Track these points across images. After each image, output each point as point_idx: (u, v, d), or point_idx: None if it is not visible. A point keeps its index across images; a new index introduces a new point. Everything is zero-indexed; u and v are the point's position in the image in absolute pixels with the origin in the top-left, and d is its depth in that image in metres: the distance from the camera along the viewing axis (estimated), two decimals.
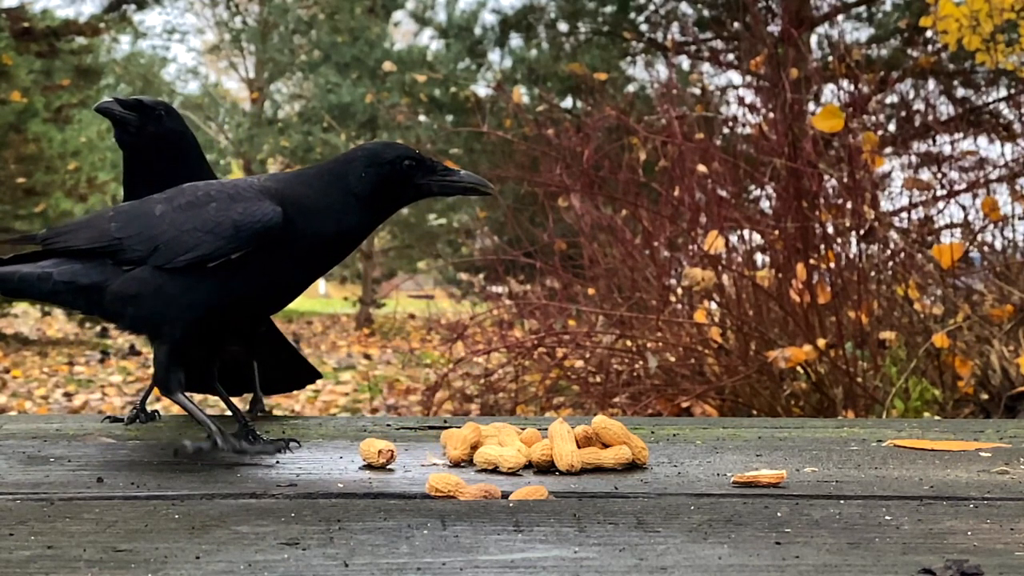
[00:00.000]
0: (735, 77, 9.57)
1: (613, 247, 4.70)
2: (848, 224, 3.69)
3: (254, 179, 1.14)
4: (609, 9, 11.08)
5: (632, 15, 11.11)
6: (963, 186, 4.47)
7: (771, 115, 4.06)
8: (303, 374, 1.51)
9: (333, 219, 1.10)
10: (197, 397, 1.29)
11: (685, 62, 9.91)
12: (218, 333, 1.15)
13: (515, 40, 11.65)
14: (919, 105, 6.93)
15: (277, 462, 1.09)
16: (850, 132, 3.57)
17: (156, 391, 1.47)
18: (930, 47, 8.48)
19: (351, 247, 1.14)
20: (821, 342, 3.35)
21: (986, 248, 4.19)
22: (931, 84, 8.42)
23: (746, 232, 4.22)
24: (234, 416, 1.20)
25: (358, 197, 1.10)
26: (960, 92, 9.57)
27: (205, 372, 1.21)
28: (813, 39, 9.12)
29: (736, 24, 8.44)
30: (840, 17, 10.02)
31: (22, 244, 1.22)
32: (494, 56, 12.13)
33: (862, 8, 10.37)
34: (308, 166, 1.19)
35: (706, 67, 9.97)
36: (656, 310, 4.04)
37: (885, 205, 4.43)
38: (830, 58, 5.15)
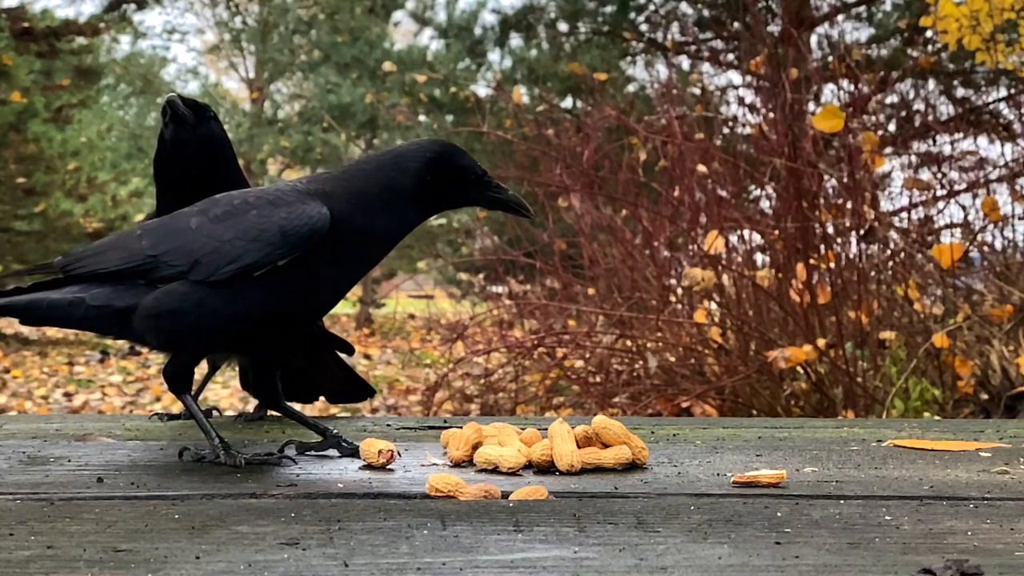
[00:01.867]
0: (735, 77, 9.57)
1: (613, 247, 4.70)
2: (848, 224, 3.69)
3: (292, 183, 1.11)
4: (609, 9, 11.08)
5: (632, 15, 11.10)
6: (963, 186, 4.47)
7: (771, 115, 4.06)
8: (357, 390, 1.52)
9: (383, 214, 1.07)
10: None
11: (685, 62, 9.90)
12: (261, 340, 1.12)
13: (515, 40, 11.65)
14: (919, 105, 6.94)
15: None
16: (850, 132, 3.57)
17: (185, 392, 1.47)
18: (930, 47, 8.48)
19: (394, 243, 1.11)
20: (821, 342, 3.35)
21: (986, 248, 4.19)
22: (931, 84, 8.42)
23: (746, 232, 4.22)
24: (314, 430, 1.16)
25: (412, 193, 1.08)
26: (960, 92, 9.57)
27: (270, 387, 1.16)
28: (813, 39, 9.12)
29: (736, 24, 8.45)
30: (840, 17, 10.02)
31: (38, 273, 1.16)
32: (494, 56, 12.13)
33: (862, 8, 10.37)
34: (360, 159, 1.15)
35: (706, 67, 9.97)
36: (656, 310, 4.04)
37: (885, 205, 4.44)
38: (830, 58, 5.15)
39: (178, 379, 1.09)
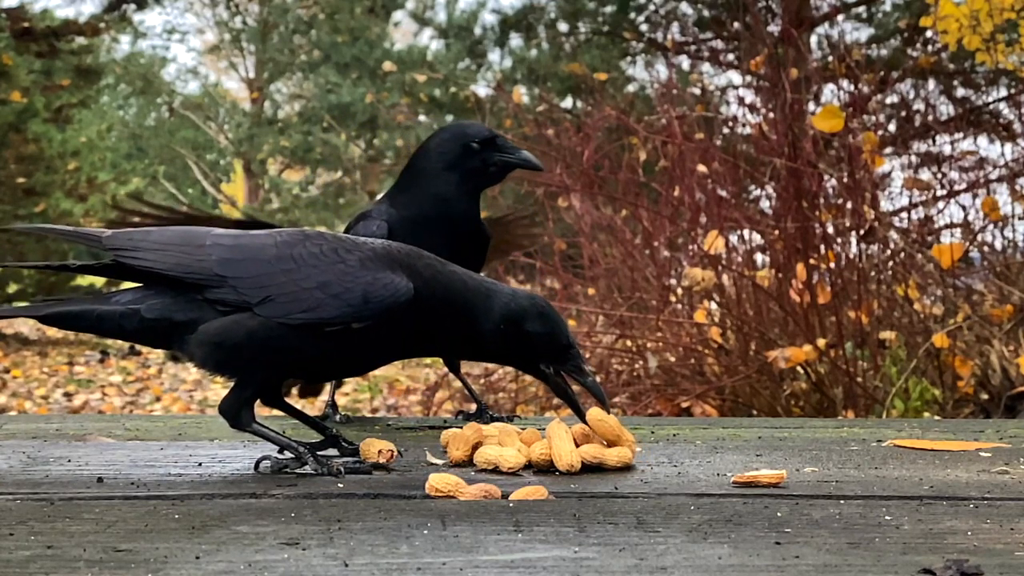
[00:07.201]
0: (735, 77, 9.57)
1: (613, 247, 4.70)
2: (848, 224, 3.69)
3: (386, 246, 1.08)
4: (609, 9, 11.09)
5: (632, 15, 11.11)
6: (963, 186, 4.47)
7: (771, 115, 4.06)
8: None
9: (455, 326, 1.07)
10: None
11: (685, 62, 9.91)
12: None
13: (515, 40, 11.66)
14: (919, 105, 6.93)
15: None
16: (850, 132, 3.57)
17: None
18: (930, 47, 8.48)
19: (444, 352, 1.16)
20: (821, 342, 3.35)
21: (986, 248, 4.19)
22: (931, 84, 8.42)
23: (746, 232, 4.22)
24: (316, 430, 1.15)
25: (486, 334, 1.07)
26: (960, 92, 9.57)
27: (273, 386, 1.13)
28: (813, 39, 9.13)
29: (736, 24, 8.44)
30: (840, 17, 10.02)
31: (83, 243, 1.09)
32: (494, 56, 12.15)
33: (862, 8, 10.37)
34: (461, 270, 1.12)
35: (706, 67, 9.98)
36: (656, 310, 4.04)
37: (885, 205, 4.44)
38: (830, 58, 5.15)
39: (239, 416, 1.05)
